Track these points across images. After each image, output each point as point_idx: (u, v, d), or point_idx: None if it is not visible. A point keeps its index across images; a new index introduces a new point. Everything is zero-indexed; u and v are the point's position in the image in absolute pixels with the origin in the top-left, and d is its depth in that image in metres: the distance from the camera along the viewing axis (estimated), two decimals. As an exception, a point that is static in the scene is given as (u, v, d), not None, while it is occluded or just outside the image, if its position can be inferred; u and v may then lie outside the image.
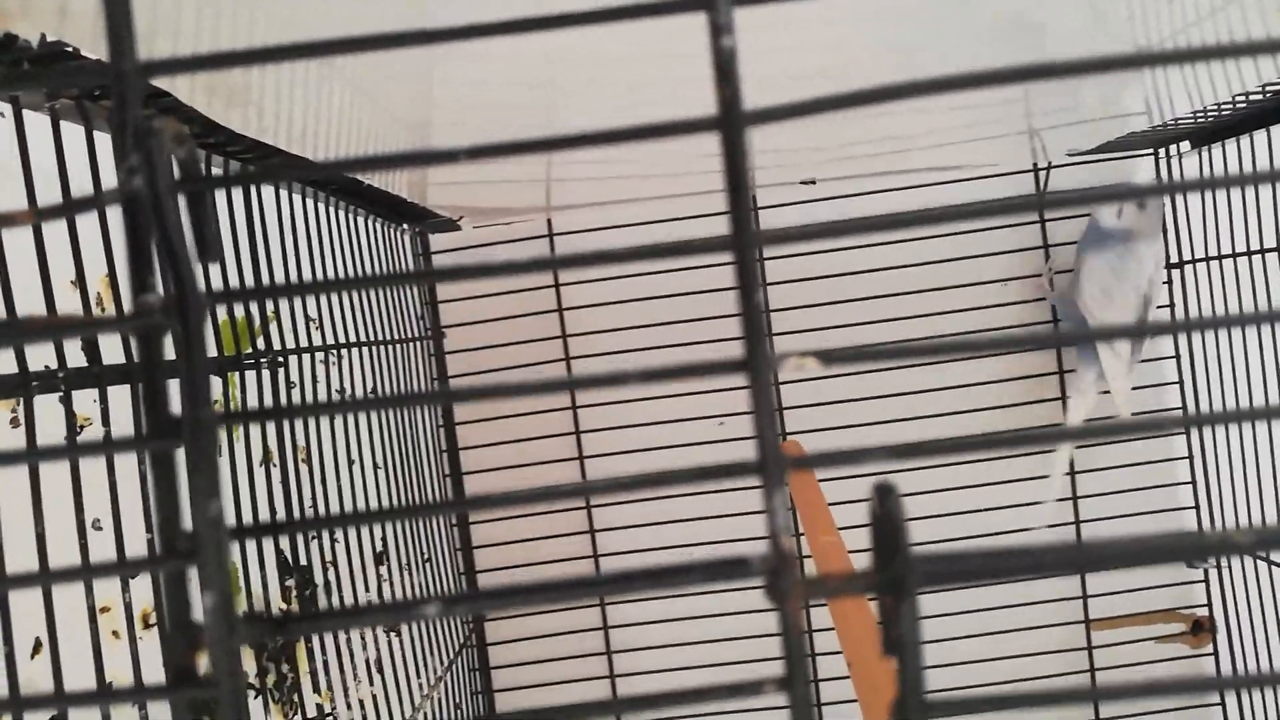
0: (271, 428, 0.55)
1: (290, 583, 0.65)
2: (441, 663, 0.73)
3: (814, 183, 0.78)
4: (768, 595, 0.16)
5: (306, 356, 0.57)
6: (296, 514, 0.58)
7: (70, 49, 0.28)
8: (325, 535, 0.64)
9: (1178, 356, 0.84)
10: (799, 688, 0.16)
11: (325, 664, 0.53)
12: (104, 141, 0.37)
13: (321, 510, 0.59)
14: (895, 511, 0.16)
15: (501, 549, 0.87)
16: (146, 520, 0.42)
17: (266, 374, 0.53)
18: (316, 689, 0.53)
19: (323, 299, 0.65)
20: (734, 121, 0.16)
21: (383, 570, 0.76)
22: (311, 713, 0.56)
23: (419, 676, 0.67)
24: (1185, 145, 0.77)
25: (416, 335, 0.81)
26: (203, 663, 0.16)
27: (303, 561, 0.65)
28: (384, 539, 0.74)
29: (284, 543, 0.64)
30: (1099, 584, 0.85)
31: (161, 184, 0.15)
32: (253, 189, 0.53)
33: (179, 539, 0.16)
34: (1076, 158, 0.83)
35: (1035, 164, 0.86)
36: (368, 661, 0.59)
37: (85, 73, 0.15)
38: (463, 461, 0.88)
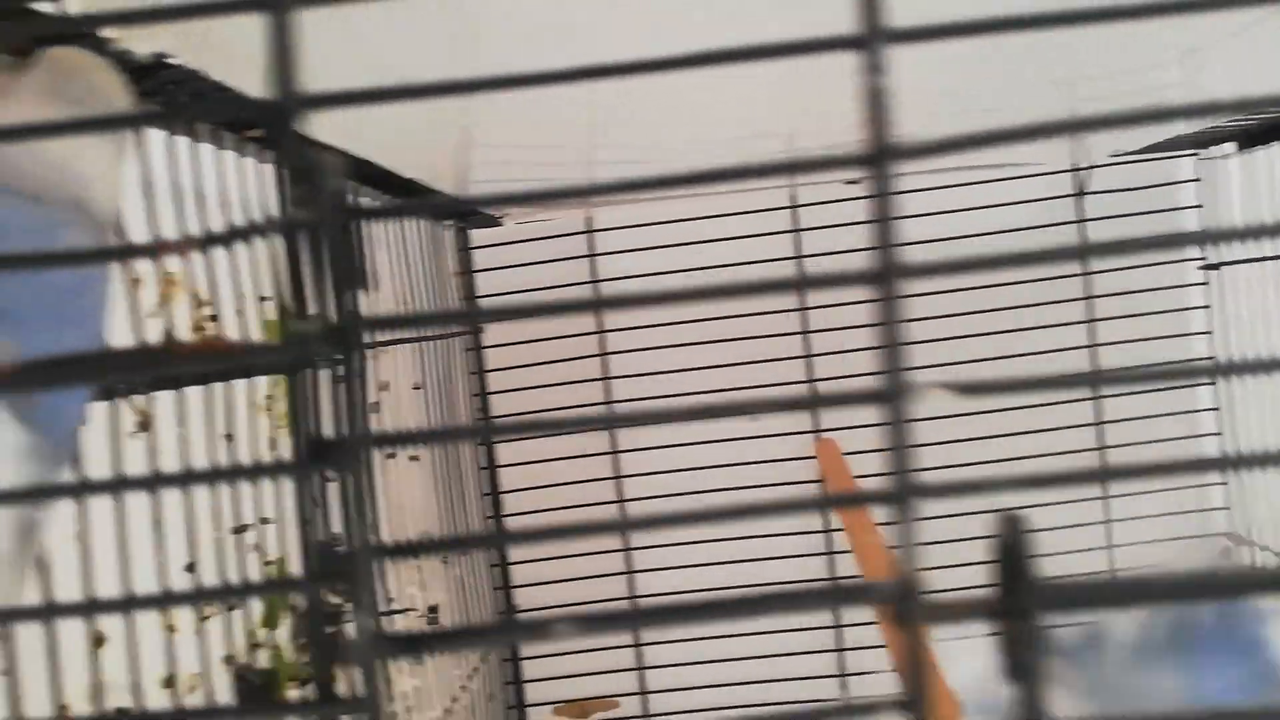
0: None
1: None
2: (478, 653, 0.74)
3: (858, 182, 0.78)
4: (894, 621, 0.17)
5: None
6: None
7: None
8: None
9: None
10: (920, 710, 0.17)
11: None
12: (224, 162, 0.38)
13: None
14: (1021, 541, 0.17)
15: (536, 565, 0.88)
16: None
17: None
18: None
19: (373, 300, 0.65)
20: (884, 158, 0.16)
21: (418, 560, 0.77)
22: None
23: (456, 668, 0.68)
24: (1230, 147, 0.77)
25: (456, 331, 0.82)
26: (343, 681, 0.17)
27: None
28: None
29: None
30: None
31: (328, 216, 0.15)
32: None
33: (326, 561, 0.17)
34: (1118, 158, 0.83)
35: (1075, 164, 0.86)
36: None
37: (251, 106, 0.16)
38: (498, 454, 0.89)
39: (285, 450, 0.53)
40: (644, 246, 0.86)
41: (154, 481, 0.18)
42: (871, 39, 0.17)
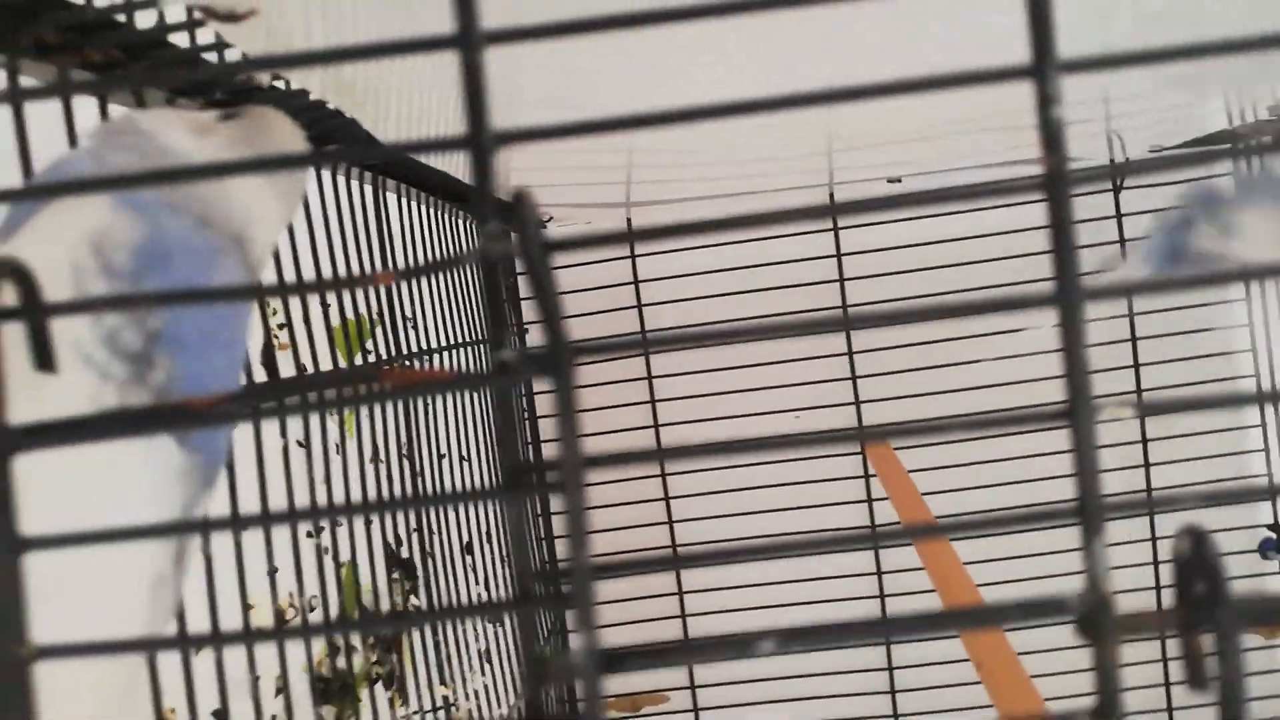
0: (378, 428, 0.57)
1: (396, 575, 0.67)
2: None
3: (899, 180, 0.79)
4: (1083, 634, 0.17)
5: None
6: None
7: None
8: (424, 530, 0.65)
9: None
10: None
11: (446, 656, 0.55)
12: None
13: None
14: (1207, 553, 0.17)
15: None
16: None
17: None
18: (443, 680, 0.54)
19: (424, 304, 0.66)
20: (1061, 189, 0.17)
21: (469, 560, 0.77)
22: (425, 704, 0.58)
23: (521, 665, 0.69)
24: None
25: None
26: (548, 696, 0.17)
27: (403, 555, 0.67)
28: (474, 529, 0.75)
29: (389, 536, 0.66)
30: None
31: (533, 249, 0.16)
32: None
33: (534, 582, 0.17)
34: (1156, 153, 0.83)
35: (1112, 158, 0.86)
36: (479, 653, 0.61)
37: (446, 143, 0.16)
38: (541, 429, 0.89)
39: (351, 455, 0.54)
40: (685, 247, 0.86)
41: (322, 513, 0.18)
42: (1044, 68, 0.17)
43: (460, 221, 0.72)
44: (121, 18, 0.28)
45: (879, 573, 0.88)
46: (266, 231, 0.23)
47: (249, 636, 0.26)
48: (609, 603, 0.87)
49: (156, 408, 0.16)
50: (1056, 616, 0.17)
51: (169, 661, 0.36)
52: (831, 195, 0.85)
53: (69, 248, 0.20)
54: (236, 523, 0.15)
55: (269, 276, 0.32)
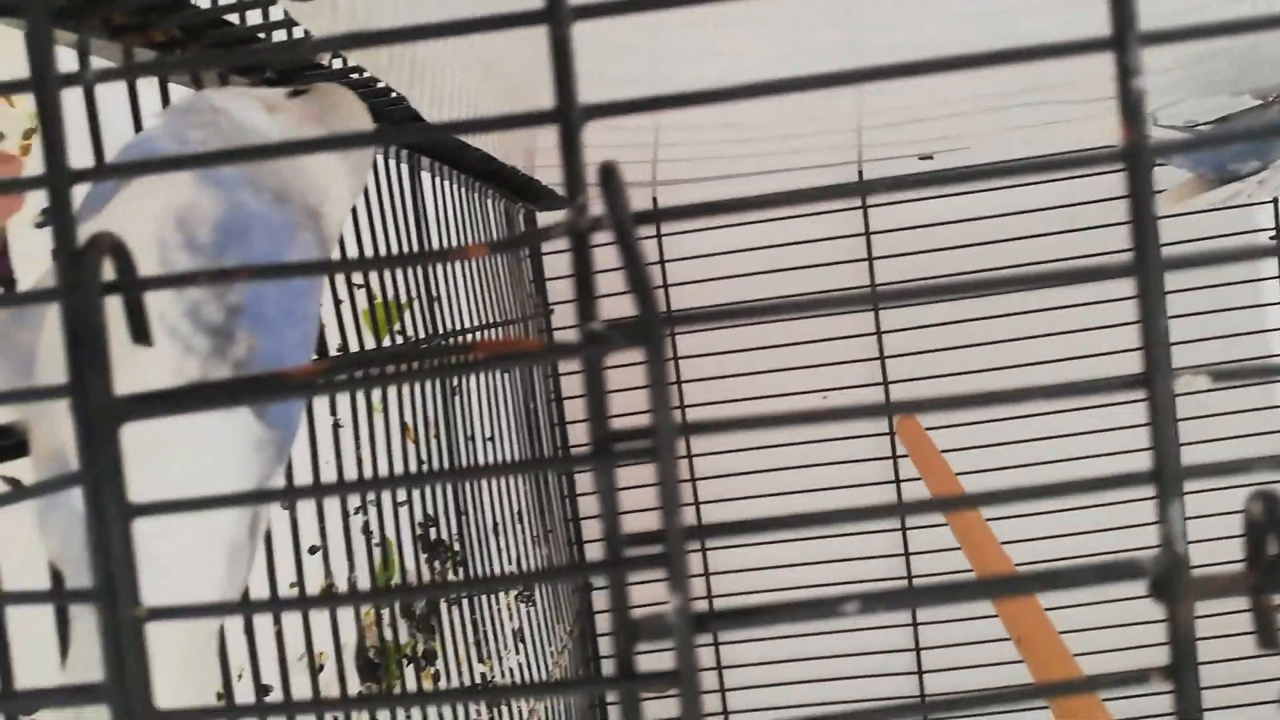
0: (406, 405, 0.57)
1: (425, 557, 0.67)
2: (566, 631, 0.75)
3: (931, 157, 0.79)
4: (1157, 597, 0.18)
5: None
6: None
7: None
8: (459, 509, 0.66)
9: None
10: (1187, 679, 0.17)
11: (484, 635, 0.55)
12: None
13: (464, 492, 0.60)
14: (1279, 516, 0.17)
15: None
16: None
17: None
18: (481, 658, 0.55)
19: (454, 284, 0.66)
20: (1141, 160, 0.17)
21: (501, 541, 0.78)
22: (464, 679, 0.58)
23: (550, 644, 0.69)
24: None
25: (529, 314, 0.83)
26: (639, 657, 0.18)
27: (435, 536, 0.67)
28: (508, 509, 0.76)
29: (418, 516, 0.66)
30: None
31: (624, 221, 0.16)
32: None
33: (622, 545, 0.18)
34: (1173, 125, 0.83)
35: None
36: (513, 632, 0.61)
37: (533, 118, 0.17)
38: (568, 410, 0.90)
39: (380, 429, 0.54)
40: (710, 226, 0.86)
41: (378, 484, 0.19)
42: (1125, 40, 0.17)
43: (490, 201, 0.73)
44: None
45: (906, 554, 0.88)
46: (339, 206, 0.23)
47: (306, 603, 0.26)
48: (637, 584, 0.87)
49: (256, 377, 0.16)
50: (1130, 579, 0.17)
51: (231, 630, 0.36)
52: (860, 173, 0.85)
53: (155, 223, 0.21)
54: (315, 489, 0.16)
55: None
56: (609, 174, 0.17)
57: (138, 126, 0.28)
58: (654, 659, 0.17)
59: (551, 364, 0.88)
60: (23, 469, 0.24)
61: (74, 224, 0.16)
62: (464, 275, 0.67)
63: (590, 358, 0.17)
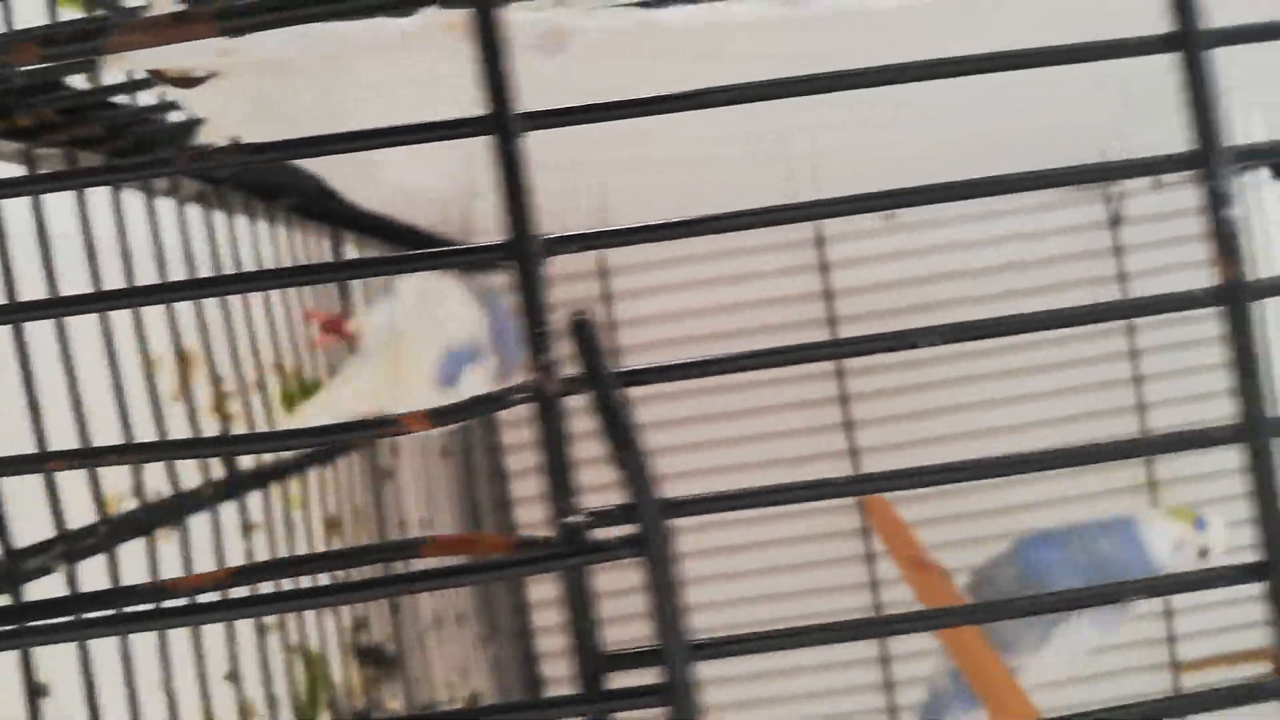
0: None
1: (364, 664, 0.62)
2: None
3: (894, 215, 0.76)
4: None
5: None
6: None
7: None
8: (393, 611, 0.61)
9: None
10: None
11: None
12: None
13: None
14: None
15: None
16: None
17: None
18: None
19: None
20: (1215, 160, 0.14)
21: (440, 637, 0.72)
22: None
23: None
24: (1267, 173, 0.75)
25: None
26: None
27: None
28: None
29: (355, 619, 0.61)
30: (1186, 624, 0.83)
31: (608, 391, 0.13)
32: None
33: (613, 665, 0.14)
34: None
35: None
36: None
37: (493, 251, 0.14)
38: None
39: (300, 526, 0.49)
40: (664, 286, 0.83)
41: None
42: (1190, 40, 0.14)
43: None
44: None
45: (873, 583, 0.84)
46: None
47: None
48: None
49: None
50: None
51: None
52: (820, 239, 0.83)
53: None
54: (223, 607, 0.12)
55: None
56: (582, 327, 0.13)
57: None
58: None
59: (492, 435, 0.83)
60: None
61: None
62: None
63: (572, 574, 0.13)
